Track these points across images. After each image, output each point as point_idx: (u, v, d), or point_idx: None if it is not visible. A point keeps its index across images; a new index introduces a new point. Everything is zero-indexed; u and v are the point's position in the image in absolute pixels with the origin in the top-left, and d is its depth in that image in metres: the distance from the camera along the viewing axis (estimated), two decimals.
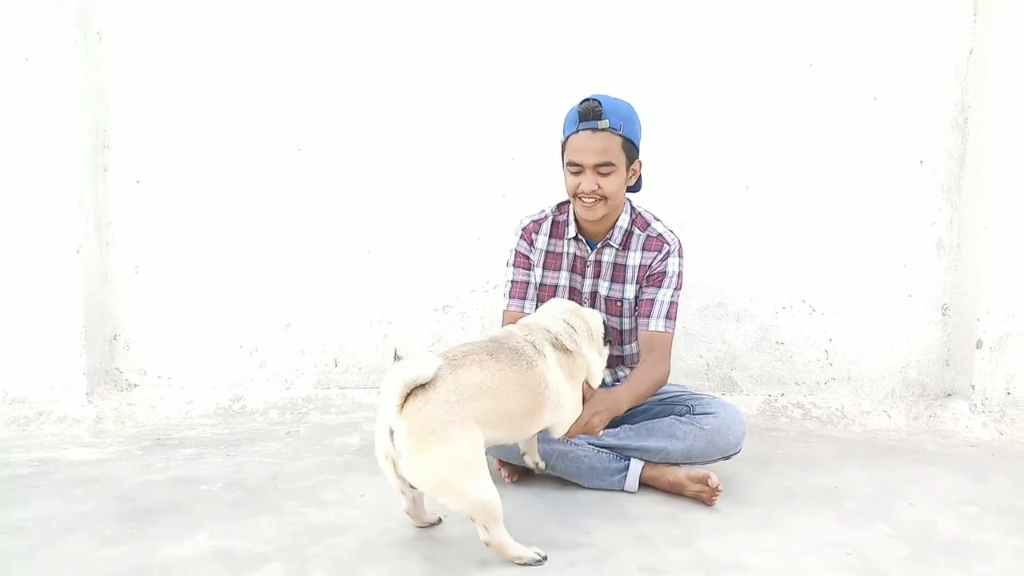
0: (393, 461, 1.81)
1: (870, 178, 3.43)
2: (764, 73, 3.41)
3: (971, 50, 3.35)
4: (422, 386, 1.78)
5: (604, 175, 2.37)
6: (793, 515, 2.24)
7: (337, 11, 3.40)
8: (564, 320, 2.20)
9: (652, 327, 2.48)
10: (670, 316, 2.49)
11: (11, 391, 3.29)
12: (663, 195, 3.21)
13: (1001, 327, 3.27)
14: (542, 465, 2.33)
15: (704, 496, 2.29)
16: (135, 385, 3.49)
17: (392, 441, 1.78)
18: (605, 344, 2.31)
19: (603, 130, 2.35)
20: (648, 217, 2.58)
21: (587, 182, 2.37)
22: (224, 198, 3.48)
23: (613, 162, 2.37)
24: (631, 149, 2.43)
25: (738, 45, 3.40)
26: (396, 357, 1.83)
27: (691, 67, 3.41)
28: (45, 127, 3.22)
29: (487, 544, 1.86)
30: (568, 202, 2.59)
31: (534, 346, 2.06)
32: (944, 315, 3.47)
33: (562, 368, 2.08)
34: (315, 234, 3.50)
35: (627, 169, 2.44)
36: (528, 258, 2.62)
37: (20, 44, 3.19)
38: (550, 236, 2.60)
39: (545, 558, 1.90)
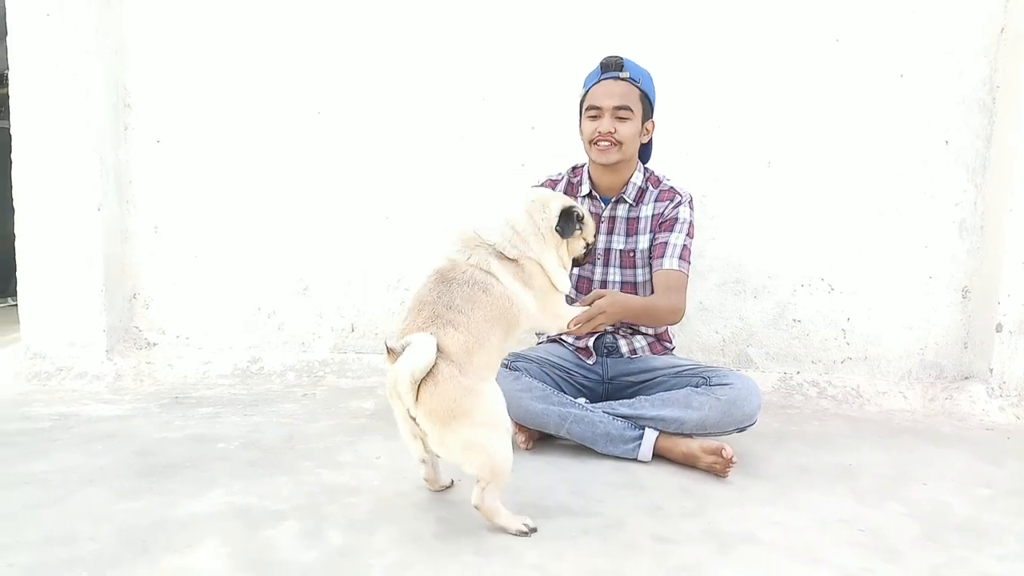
0: (422, 439, 1.90)
1: (894, 157, 3.39)
2: (789, 47, 3.36)
3: (1003, 28, 3.28)
4: None
5: (621, 119, 2.49)
6: (806, 491, 2.24)
7: None
8: (508, 224, 2.06)
9: (667, 266, 2.52)
10: (683, 258, 2.54)
11: (33, 346, 3.33)
12: (684, 169, 3.20)
13: (1022, 311, 3.23)
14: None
15: (718, 467, 2.30)
16: (154, 344, 3.53)
17: (416, 423, 1.83)
18: (556, 230, 2.10)
19: (624, 79, 2.50)
20: (660, 176, 2.67)
21: (605, 123, 2.49)
22: (244, 160, 3.48)
23: (631, 107, 2.49)
24: (647, 105, 2.56)
25: (764, 18, 3.35)
26: (388, 350, 1.81)
27: (715, 40, 3.37)
28: (67, 85, 3.23)
29: (477, 508, 1.85)
30: (582, 166, 2.69)
31: (480, 268, 1.98)
32: (964, 297, 3.43)
33: (516, 278, 2.01)
34: (334, 199, 3.50)
35: (642, 124, 2.54)
36: None
37: None
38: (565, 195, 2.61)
39: (534, 530, 1.86)
